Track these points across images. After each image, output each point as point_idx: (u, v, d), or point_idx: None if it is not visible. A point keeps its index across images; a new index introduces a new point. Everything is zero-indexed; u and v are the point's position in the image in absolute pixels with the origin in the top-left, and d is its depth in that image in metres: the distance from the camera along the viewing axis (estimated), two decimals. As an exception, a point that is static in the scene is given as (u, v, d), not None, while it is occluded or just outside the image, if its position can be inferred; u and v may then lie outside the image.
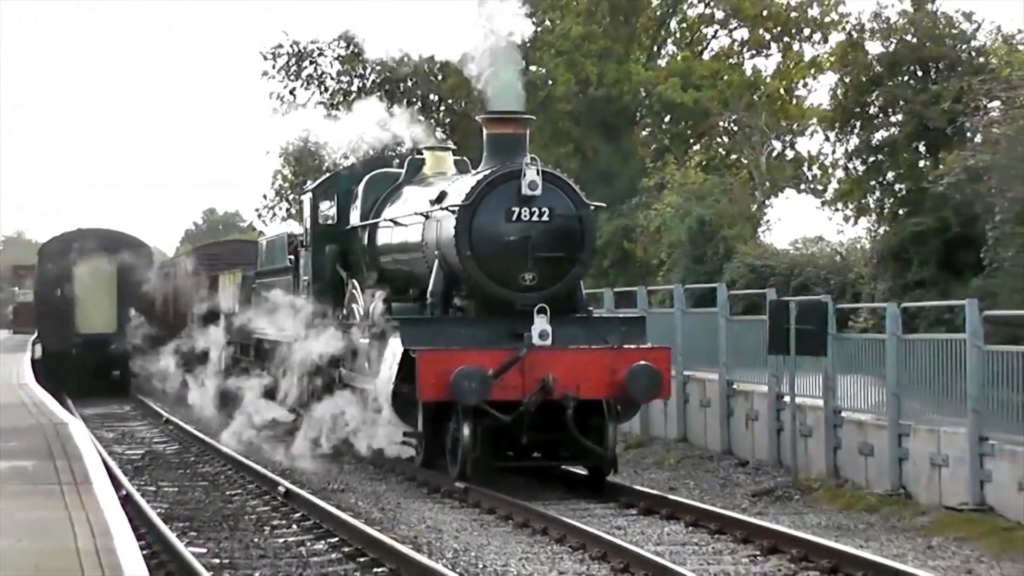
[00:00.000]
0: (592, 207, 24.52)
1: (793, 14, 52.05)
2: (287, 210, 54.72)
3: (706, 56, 53.16)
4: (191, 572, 15.77)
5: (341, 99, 52.06)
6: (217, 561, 17.30)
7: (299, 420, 30.11)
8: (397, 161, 29.60)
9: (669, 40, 53.68)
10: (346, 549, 18.33)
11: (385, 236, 27.36)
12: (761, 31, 52.92)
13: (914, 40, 40.92)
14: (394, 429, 24.66)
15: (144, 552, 13.29)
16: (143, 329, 50.60)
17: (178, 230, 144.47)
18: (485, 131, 24.23)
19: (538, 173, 22.73)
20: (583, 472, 24.17)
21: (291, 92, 52.77)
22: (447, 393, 21.77)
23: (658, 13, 52.12)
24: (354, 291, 27.55)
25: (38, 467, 17.38)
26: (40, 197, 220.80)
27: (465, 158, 28.09)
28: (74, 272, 49.90)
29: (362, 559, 17.60)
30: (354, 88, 51.49)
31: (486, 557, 17.47)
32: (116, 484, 19.13)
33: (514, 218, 22.95)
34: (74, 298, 49.64)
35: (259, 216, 59.81)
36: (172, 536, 18.18)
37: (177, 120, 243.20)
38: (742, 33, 53.24)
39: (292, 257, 31.70)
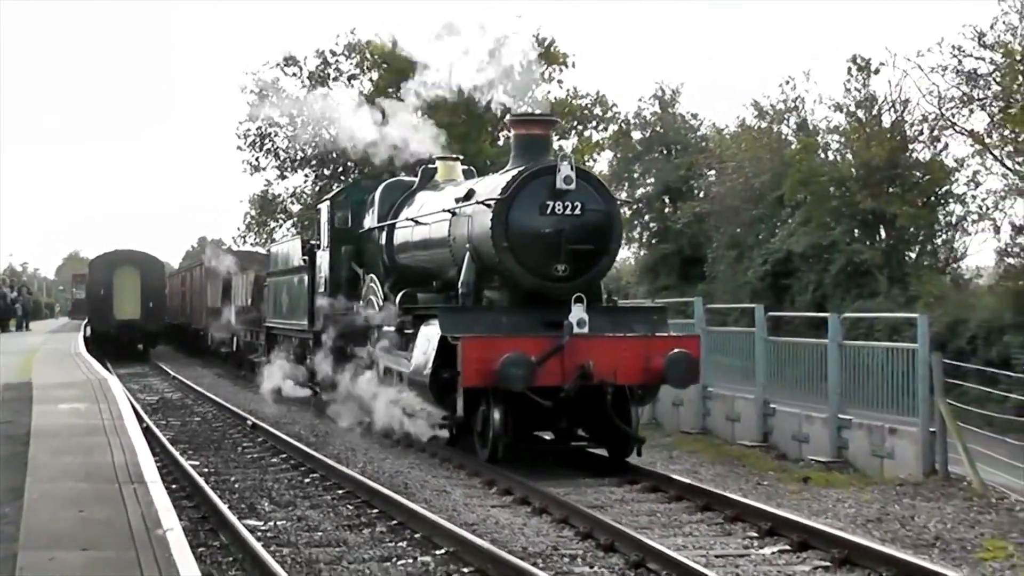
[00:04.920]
0: (619, 202, 19.02)
1: (585, 111, 52.27)
2: (254, 240, 54.03)
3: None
4: (188, 476, 15.62)
5: (289, 165, 51.63)
6: (206, 470, 17.11)
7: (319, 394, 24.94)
8: (403, 174, 24.65)
9: (506, 129, 53.66)
10: (292, 462, 18.16)
11: (404, 235, 21.19)
12: (564, 122, 53.08)
13: (661, 130, 41.55)
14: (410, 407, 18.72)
15: (158, 464, 13.16)
16: (161, 317, 50.46)
17: (180, 250, 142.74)
18: (513, 132, 18.58)
19: (571, 168, 17.11)
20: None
21: (256, 159, 52.08)
22: (493, 379, 15.92)
23: (499, 112, 52.12)
24: (372, 284, 21.66)
25: (88, 408, 17.19)
26: (92, 227, 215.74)
27: (472, 167, 23.36)
28: (112, 278, 49.45)
29: (303, 468, 17.49)
30: (297, 158, 51.07)
31: (385, 467, 17.41)
32: (139, 419, 18.94)
33: (548, 211, 17.09)
34: (112, 295, 49.18)
35: (235, 242, 59.05)
36: (177, 453, 18.01)
37: (186, 175, 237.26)
38: (552, 124, 53.43)
39: (307, 258, 25.71)
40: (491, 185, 18.02)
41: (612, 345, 16.66)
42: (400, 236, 21.44)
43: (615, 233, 17.72)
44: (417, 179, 22.43)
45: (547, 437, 18.63)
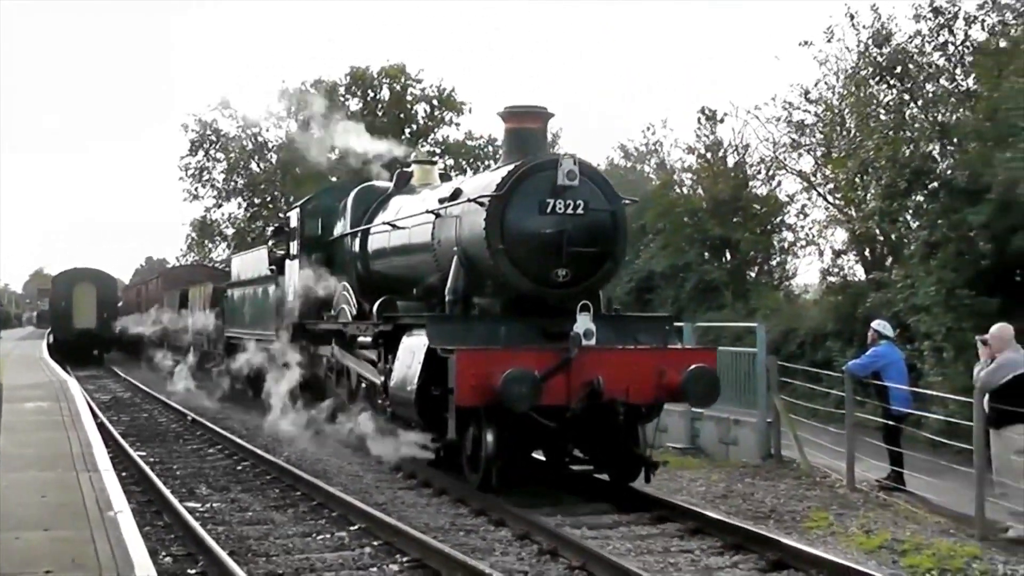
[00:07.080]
0: (625, 201, 13.99)
1: (479, 151, 52.10)
2: (194, 259, 53.19)
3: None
4: (137, 465, 15.37)
5: (224, 194, 51.06)
6: (152, 460, 16.87)
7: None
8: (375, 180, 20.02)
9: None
10: (226, 451, 18.00)
11: (380, 241, 17.08)
12: (460, 160, 53.06)
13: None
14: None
15: (110, 454, 12.99)
16: (115, 325, 49.53)
17: (131, 267, 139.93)
18: (505, 126, 14.09)
19: (575, 163, 12.99)
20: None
21: (195, 189, 51.40)
22: (492, 397, 11.72)
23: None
24: (344, 292, 17.79)
25: (51, 406, 16.96)
26: (54, 246, 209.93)
27: (449, 174, 18.94)
28: (73, 292, 48.73)
29: (235, 456, 17.33)
30: (230, 188, 50.51)
31: (306, 455, 17.27)
32: (94, 415, 18.63)
33: (548, 210, 12.97)
34: (72, 307, 48.43)
35: (177, 261, 58.15)
36: (126, 445, 17.70)
37: (138, 201, 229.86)
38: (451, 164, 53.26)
39: (273, 267, 21.81)
40: (482, 183, 14.02)
41: (623, 359, 12.64)
42: (375, 242, 17.46)
43: (621, 235, 13.60)
44: (392, 183, 18.50)
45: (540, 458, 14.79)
